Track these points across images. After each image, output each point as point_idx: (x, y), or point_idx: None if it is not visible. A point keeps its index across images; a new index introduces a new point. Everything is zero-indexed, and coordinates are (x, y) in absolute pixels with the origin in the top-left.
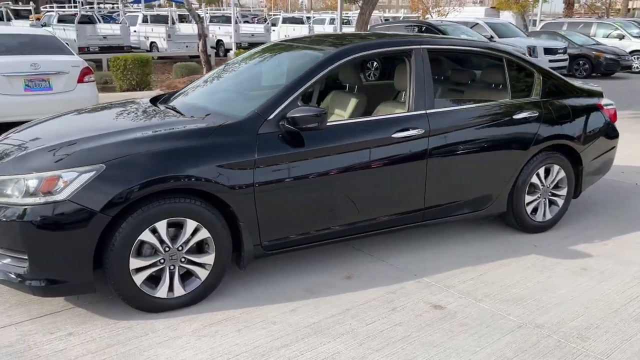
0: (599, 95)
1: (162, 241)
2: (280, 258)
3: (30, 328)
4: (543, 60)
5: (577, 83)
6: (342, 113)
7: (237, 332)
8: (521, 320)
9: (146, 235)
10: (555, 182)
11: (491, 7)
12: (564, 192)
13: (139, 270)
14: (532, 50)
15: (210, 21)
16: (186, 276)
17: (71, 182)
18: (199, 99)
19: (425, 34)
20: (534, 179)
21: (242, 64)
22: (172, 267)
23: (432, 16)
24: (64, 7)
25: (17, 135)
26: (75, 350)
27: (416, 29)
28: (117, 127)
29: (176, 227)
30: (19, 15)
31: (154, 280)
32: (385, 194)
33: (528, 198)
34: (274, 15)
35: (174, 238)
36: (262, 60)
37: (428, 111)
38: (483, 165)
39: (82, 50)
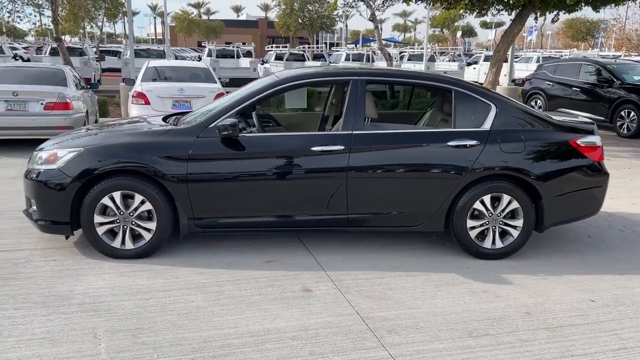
0: (580, 131)
1: (117, 207)
2: (217, 240)
3: (36, 253)
4: None
5: (559, 118)
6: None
7: (147, 278)
8: (362, 313)
9: (106, 201)
10: (507, 211)
11: None
12: (519, 222)
13: (101, 224)
14: None
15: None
16: (138, 237)
17: (61, 157)
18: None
19: (369, 68)
20: (478, 205)
21: None
22: (125, 227)
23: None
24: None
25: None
26: (48, 267)
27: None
28: (108, 128)
29: (129, 199)
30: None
31: (114, 234)
32: (305, 196)
33: (471, 223)
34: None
35: (127, 206)
36: None
37: (354, 132)
38: (409, 185)
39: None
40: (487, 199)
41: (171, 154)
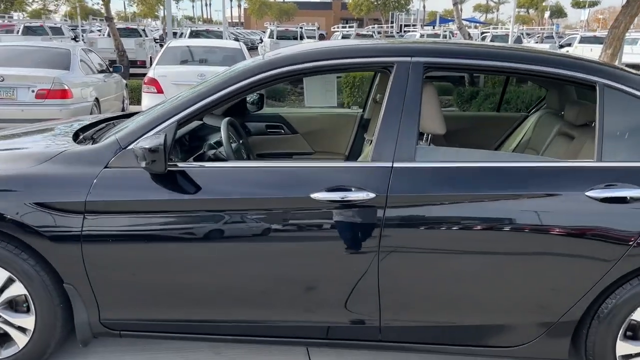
0: None
1: None
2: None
3: None
4: None
5: None
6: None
7: None
8: None
9: None
10: None
11: None
12: None
13: None
14: None
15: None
16: (6, 340)
17: None
18: None
19: (431, 42)
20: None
21: None
22: None
23: None
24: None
25: None
26: None
27: None
28: None
29: None
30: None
31: None
32: (298, 288)
33: (626, 347)
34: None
35: None
36: None
37: (397, 164)
38: (503, 271)
39: None
40: None
41: (56, 198)
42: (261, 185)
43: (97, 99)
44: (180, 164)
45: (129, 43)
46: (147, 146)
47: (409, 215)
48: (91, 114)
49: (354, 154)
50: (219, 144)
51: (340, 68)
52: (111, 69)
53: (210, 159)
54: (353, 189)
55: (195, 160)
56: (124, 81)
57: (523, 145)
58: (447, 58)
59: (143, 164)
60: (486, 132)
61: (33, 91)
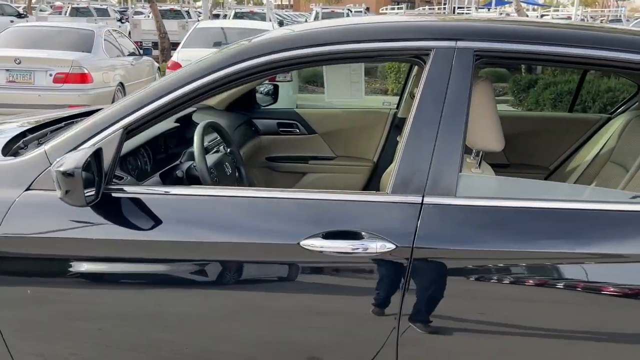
0: None
1: None
2: None
3: None
4: None
5: None
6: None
7: None
8: None
9: None
10: None
11: None
12: None
13: None
14: None
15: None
16: None
17: None
18: None
19: (483, 19)
20: None
21: None
22: None
23: None
24: None
25: None
26: None
27: None
28: None
29: None
30: None
31: None
32: None
33: None
34: None
35: None
36: None
37: (429, 200)
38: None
39: None
40: None
41: None
42: (227, 225)
43: (121, 84)
44: (127, 188)
45: (171, 25)
46: (61, 169)
47: (444, 278)
48: (114, 100)
49: (385, 160)
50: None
51: (340, 57)
52: (141, 51)
53: (176, 179)
54: (364, 235)
55: (163, 177)
56: (157, 64)
57: (604, 156)
58: (510, 43)
59: (58, 194)
60: (554, 138)
61: (51, 75)
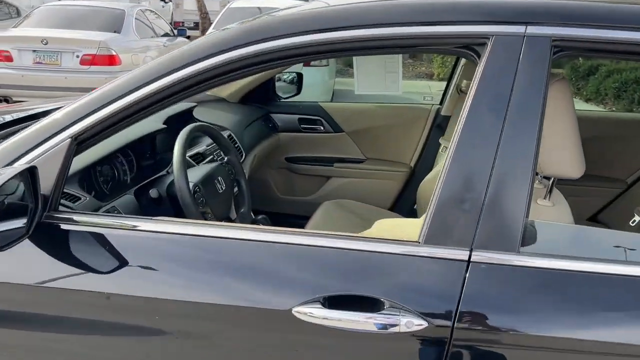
0: None
1: None
2: None
3: None
4: None
5: None
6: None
7: None
8: None
9: None
10: None
11: None
12: None
13: None
14: None
15: None
16: None
17: None
18: None
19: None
20: None
21: None
22: None
23: None
24: None
25: None
26: None
27: None
28: None
29: None
30: None
31: None
32: None
33: None
34: None
35: None
36: None
37: (479, 255)
38: None
39: None
40: None
41: None
42: (194, 278)
43: None
44: (77, 217)
45: (213, 4)
46: None
47: None
48: None
49: (424, 166)
50: (198, 157)
51: (361, 46)
52: (175, 32)
53: (152, 201)
54: (385, 304)
55: (139, 194)
56: None
57: None
58: (607, 29)
59: None
60: (633, 146)
61: (78, 56)
